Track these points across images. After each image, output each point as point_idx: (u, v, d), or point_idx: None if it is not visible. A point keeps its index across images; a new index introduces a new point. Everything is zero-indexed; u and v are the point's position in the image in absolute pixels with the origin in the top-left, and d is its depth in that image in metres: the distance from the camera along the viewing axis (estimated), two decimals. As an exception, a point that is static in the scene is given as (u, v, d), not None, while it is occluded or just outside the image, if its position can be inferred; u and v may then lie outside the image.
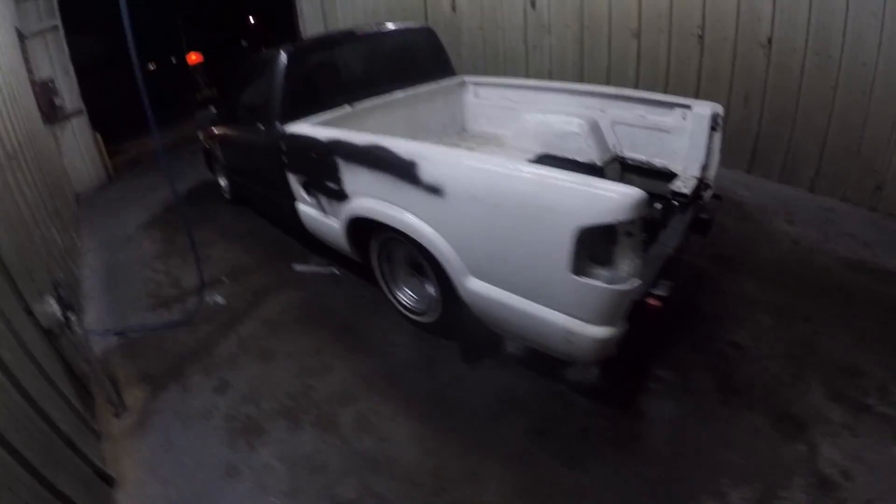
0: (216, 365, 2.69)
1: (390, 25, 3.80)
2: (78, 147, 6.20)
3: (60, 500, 1.59)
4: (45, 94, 5.26)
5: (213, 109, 4.23)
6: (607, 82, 4.77)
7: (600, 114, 3.04)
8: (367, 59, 3.61)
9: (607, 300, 1.62)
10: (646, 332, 1.86)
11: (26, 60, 5.19)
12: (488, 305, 1.98)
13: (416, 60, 3.85)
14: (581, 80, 5.04)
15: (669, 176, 2.65)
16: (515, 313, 1.89)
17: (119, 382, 2.61)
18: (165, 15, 12.65)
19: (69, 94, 5.83)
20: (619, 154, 3.01)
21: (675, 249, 2.13)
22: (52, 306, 2.29)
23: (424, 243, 2.10)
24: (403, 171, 2.08)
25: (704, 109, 2.55)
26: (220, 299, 3.34)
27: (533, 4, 5.36)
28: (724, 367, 2.28)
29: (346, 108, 3.25)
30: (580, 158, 3.01)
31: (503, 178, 1.77)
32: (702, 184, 2.60)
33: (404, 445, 2.02)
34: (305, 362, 2.59)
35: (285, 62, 3.07)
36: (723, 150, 2.57)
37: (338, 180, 2.57)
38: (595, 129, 3.01)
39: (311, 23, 7.78)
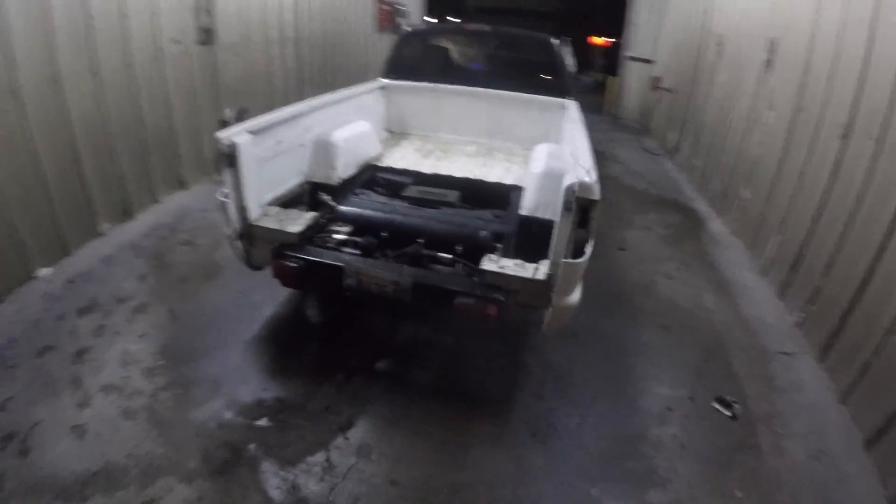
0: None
1: (509, 30, 4.47)
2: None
3: (152, 172, 4.21)
4: (389, 13, 8.43)
5: None
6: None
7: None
8: (470, 51, 4.61)
9: None
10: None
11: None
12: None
13: (525, 68, 4.40)
14: (773, 190, 3.89)
15: None
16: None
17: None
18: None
19: (413, 18, 9.04)
20: None
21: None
22: (229, 113, 5.03)
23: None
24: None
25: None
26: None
27: (768, 62, 4.54)
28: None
29: (427, 85, 4.41)
30: None
31: None
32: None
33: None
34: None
35: (401, 35, 4.60)
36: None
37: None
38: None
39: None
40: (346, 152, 3.25)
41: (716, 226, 4.91)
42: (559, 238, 2.11)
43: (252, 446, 2.12)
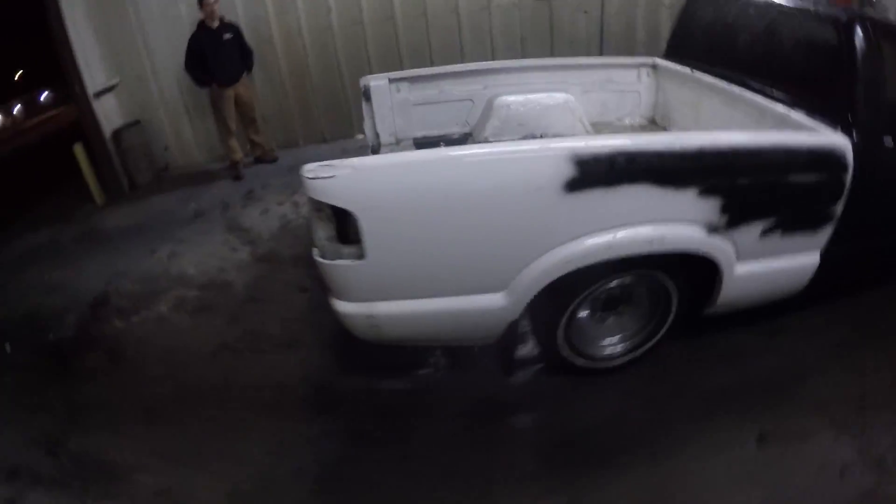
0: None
1: (799, 8, 2.85)
2: None
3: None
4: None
5: None
6: None
7: None
8: (749, 34, 3.17)
9: None
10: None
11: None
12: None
13: (802, 67, 2.81)
14: None
15: None
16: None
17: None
18: None
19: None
20: None
21: None
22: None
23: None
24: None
25: None
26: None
27: None
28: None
29: (687, 70, 3.54)
30: None
31: None
32: None
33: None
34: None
35: (686, 3, 3.67)
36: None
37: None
38: None
39: None
40: (505, 118, 3.51)
41: None
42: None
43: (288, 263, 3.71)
